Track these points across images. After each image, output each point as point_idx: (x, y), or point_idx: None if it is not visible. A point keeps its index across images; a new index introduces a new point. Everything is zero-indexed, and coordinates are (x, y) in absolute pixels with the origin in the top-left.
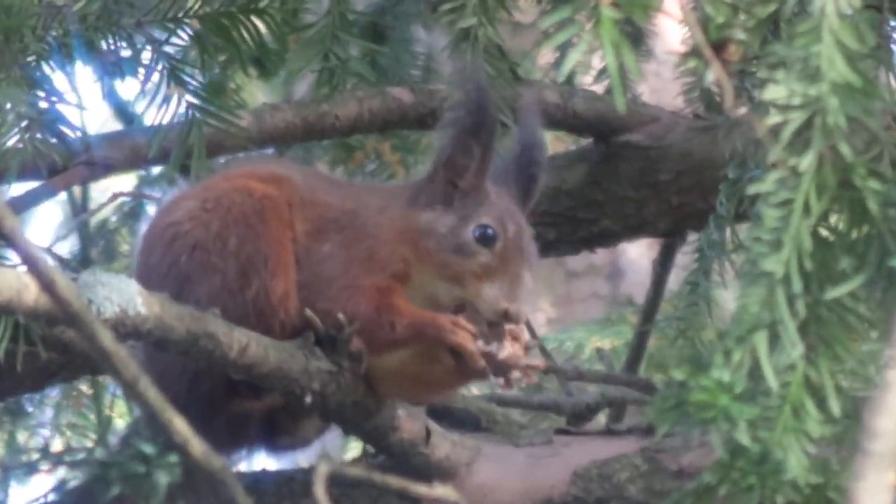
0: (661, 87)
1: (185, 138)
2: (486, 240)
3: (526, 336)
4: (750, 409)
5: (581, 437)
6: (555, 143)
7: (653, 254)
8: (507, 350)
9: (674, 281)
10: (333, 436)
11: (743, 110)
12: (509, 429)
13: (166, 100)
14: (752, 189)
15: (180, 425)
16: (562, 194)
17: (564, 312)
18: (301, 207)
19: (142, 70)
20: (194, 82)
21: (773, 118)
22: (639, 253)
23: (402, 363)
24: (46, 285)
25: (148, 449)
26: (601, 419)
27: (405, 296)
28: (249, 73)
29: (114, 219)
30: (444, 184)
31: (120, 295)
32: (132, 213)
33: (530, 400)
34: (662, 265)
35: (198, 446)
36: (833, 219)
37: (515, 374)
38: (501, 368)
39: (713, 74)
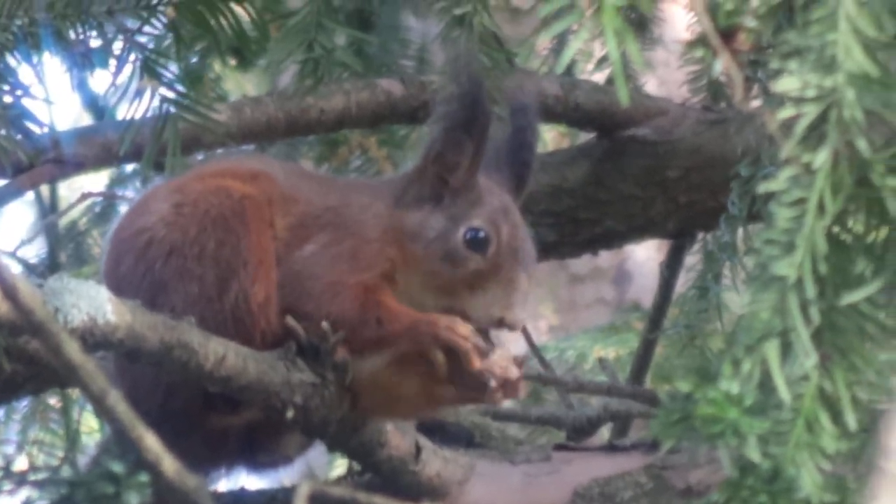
0: (669, 77)
1: (159, 134)
2: (477, 244)
3: (510, 352)
4: (760, 423)
5: (582, 454)
6: (557, 137)
7: (662, 256)
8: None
9: (683, 285)
10: (318, 452)
11: (755, 103)
12: (505, 445)
13: (139, 93)
14: (763, 187)
15: (152, 442)
16: (563, 193)
17: (567, 319)
18: (282, 203)
19: (113, 61)
20: (169, 74)
21: (786, 111)
22: (647, 255)
23: (390, 376)
24: (8, 292)
25: (117, 468)
26: (604, 434)
27: (393, 296)
28: (228, 63)
29: (84, 220)
30: (433, 180)
31: (89, 302)
32: (103, 214)
33: (528, 413)
34: (670, 268)
35: (170, 465)
36: (849, 219)
37: (492, 384)
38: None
39: (722, 65)
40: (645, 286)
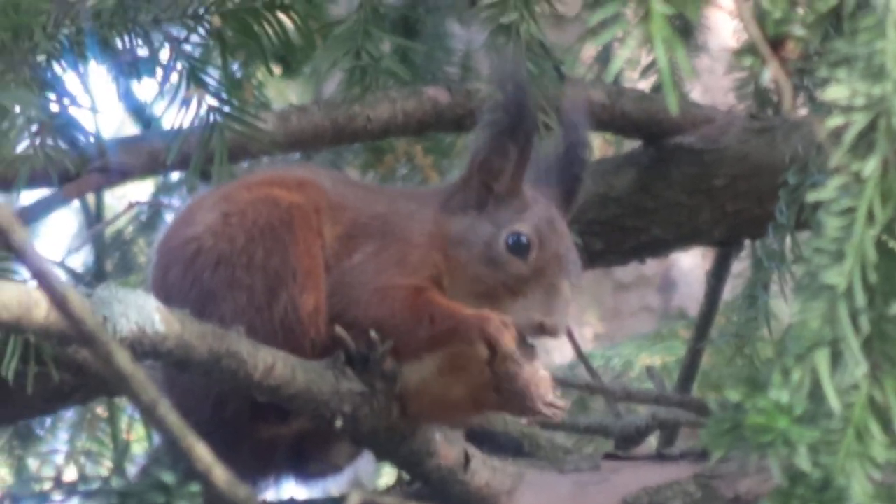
0: (714, 84)
1: (205, 143)
2: (519, 249)
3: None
4: (810, 433)
5: (630, 463)
6: (602, 146)
7: (707, 264)
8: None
9: (729, 293)
10: (366, 462)
11: (803, 111)
12: (554, 454)
13: (186, 102)
14: (812, 196)
15: (202, 452)
16: (609, 201)
17: (613, 327)
18: (329, 212)
19: (160, 70)
20: (215, 83)
21: (835, 120)
22: (692, 263)
23: (438, 382)
24: (58, 302)
25: (168, 478)
26: (652, 443)
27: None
28: (273, 71)
29: (130, 229)
30: (479, 187)
31: (137, 312)
32: (149, 222)
33: (576, 422)
34: (717, 276)
35: (221, 474)
36: None
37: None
38: (519, 395)
39: (771, 73)
40: (690, 294)
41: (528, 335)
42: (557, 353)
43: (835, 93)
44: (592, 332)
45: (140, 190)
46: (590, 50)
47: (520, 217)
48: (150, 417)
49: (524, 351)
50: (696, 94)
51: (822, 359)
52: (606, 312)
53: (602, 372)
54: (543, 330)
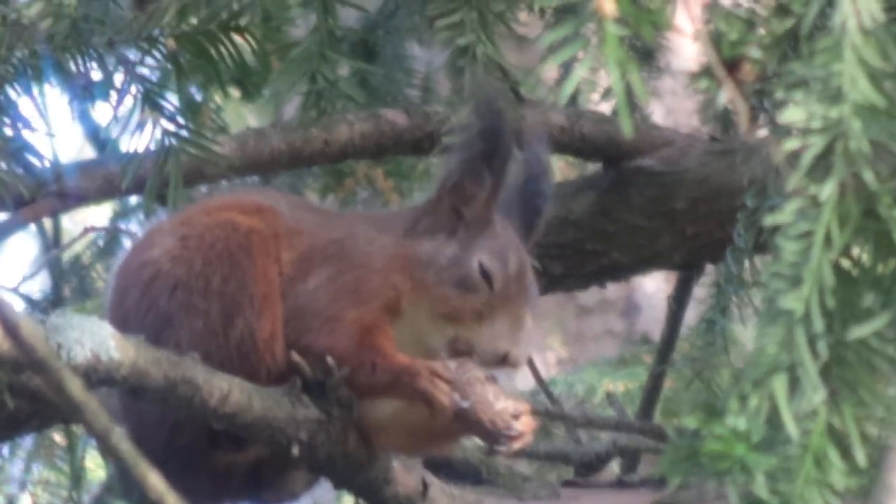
0: (677, 105)
1: (161, 167)
2: (489, 276)
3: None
4: (768, 460)
5: (590, 490)
6: (564, 168)
7: (671, 288)
8: (500, 405)
9: (692, 317)
10: (325, 489)
11: (762, 133)
12: (512, 481)
13: (140, 126)
14: (769, 219)
15: (155, 480)
16: (569, 224)
17: (576, 351)
18: (287, 237)
19: (114, 93)
20: (170, 107)
21: (792, 142)
22: (656, 287)
23: (398, 411)
24: (10, 329)
25: None
26: (614, 470)
27: (391, 335)
28: (231, 95)
29: (88, 254)
30: (449, 212)
31: (92, 338)
32: (107, 247)
33: (536, 449)
34: (678, 301)
35: (174, 503)
36: (857, 252)
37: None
38: (478, 428)
39: (726, 95)
40: (654, 318)
41: (490, 366)
42: (520, 378)
43: (792, 115)
44: (555, 356)
45: (99, 215)
46: (552, 72)
47: (490, 243)
48: (104, 445)
49: (484, 379)
50: (658, 115)
51: (779, 384)
52: (569, 337)
53: (565, 398)
54: (507, 361)
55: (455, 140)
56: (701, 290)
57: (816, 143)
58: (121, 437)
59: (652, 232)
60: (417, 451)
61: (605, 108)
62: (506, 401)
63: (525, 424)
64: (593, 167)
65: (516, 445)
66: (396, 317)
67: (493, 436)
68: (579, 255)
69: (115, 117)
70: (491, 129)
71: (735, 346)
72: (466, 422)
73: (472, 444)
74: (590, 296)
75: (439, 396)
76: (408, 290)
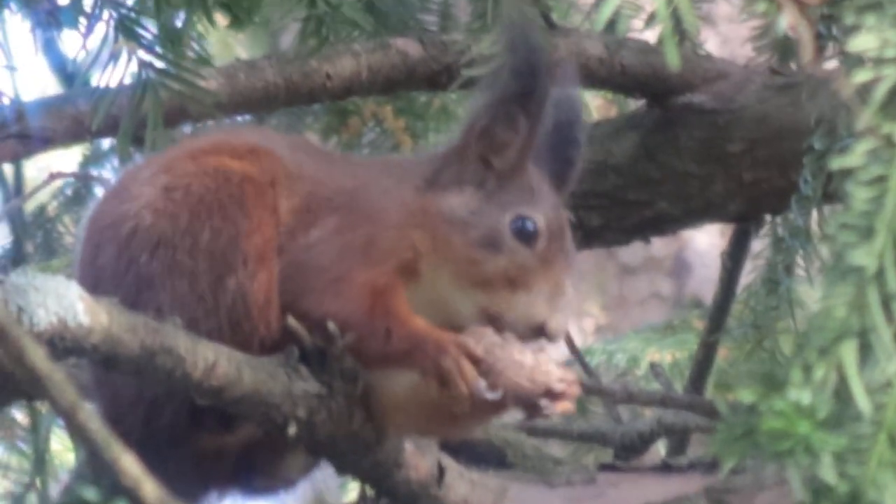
0: (733, 33)
1: (137, 104)
2: (526, 235)
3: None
4: (836, 439)
5: (631, 475)
6: (602, 106)
7: (726, 244)
8: (529, 362)
9: (749, 277)
10: (328, 474)
11: (831, 64)
12: (542, 465)
13: (114, 57)
14: (837, 163)
15: (130, 464)
16: (608, 170)
17: (617, 317)
18: (287, 183)
19: (83, 20)
20: (148, 35)
21: (863, 74)
22: (709, 242)
23: (417, 386)
24: None
25: (90, 494)
26: (660, 451)
27: (408, 299)
28: (217, 23)
29: (54, 204)
30: (476, 161)
31: (58, 301)
32: (76, 197)
33: (570, 428)
34: (733, 258)
35: (151, 490)
36: None
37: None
38: (513, 398)
39: (788, 20)
40: (707, 278)
41: (523, 337)
42: (551, 348)
43: (862, 43)
44: (594, 323)
45: (67, 160)
46: None
47: (528, 200)
48: (70, 424)
49: (502, 342)
50: (711, 45)
51: (848, 352)
52: (610, 301)
53: (604, 370)
54: (543, 332)
55: (483, 77)
56: (759, 246)
57: (891, 75)
58: (90, 415)
59: (703, 179)
60: (438, 434)
61: (650, 36)
62: (534, 357)
63: (564, 382)
64: (636, 104)
65: (559, 407)
66: (414, 281)
67: (530, 401)
68: (620, 206)
69: (85, 47)
70: (525, 65)
71: (801, 311)
72: (495, 401)
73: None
74: (633, 253)
75: (459, 382)
76: (428, 250)
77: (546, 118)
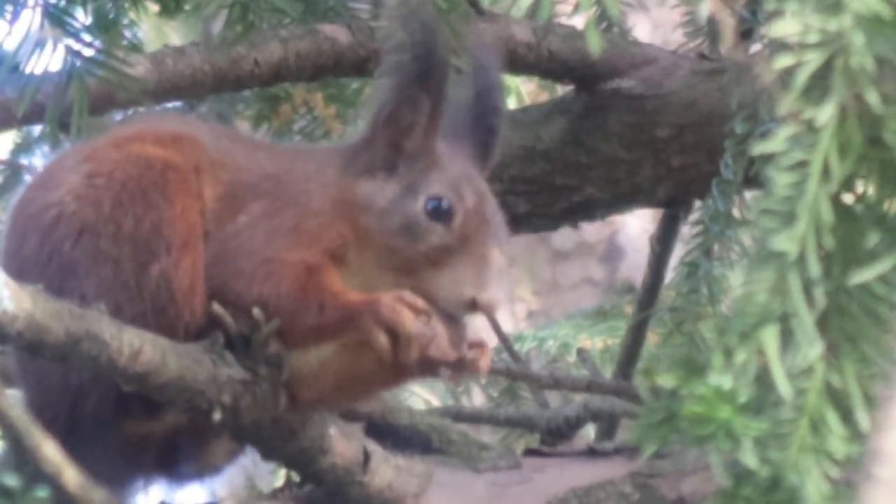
0: (664, 18)
1: (63, 91)
2: (440, 214)
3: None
4: (757, 424)
5: (557, 460)
6: (534, 92)
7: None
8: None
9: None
10: (259, 460)
11: (754, 49)
12: (468, 450)
13: (40, 44)
14: (759, 148)
15: (51, 451)
16: (536, 155)
17: (549, 302)
18: (211, 170)
19: (9, 7)
20: (76, 23)
21: (785, 59)
22: (641, 227)
23: (326, 360)
24: None
25: (11, 481)
26: (590, 437)
27: (338, 279)
28: (148, 9)
29: None
30: (386, 146)
31: None
32: (6, 185)
33: (495, 414)
34: (662, 242)
35: (73, 477)
36: (859, 185)
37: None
38: (430, 364)
39: (709, 6)
40: (639, 264)
41: (459, 314)
42: (482, 334)
43: (784, 28)
44: (526, 308)
45: None
46: None
47: (437, 178)
48: None
49: (455, 330)
50: (643, 29)
51: (770, 337)
52: (542, 286)
53: (535, 356)
54: (476, 307)
55: (385, 62)
56: (690, 231)
57: (813, 60)
58: (11, 402)
59: (631, 164)
60: (346, 401)
61: (579, 22)
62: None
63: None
64: (564, 90)
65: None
66: (342, 268)
67: (432, 365)
68: (548, 191)
69: (11, 34)
70: (422, 45)
71: (721, 295)
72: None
73: (424, 404)
74: (565, 239)
75: (406, 322)
76: (352, 239)
77: (450, 93)
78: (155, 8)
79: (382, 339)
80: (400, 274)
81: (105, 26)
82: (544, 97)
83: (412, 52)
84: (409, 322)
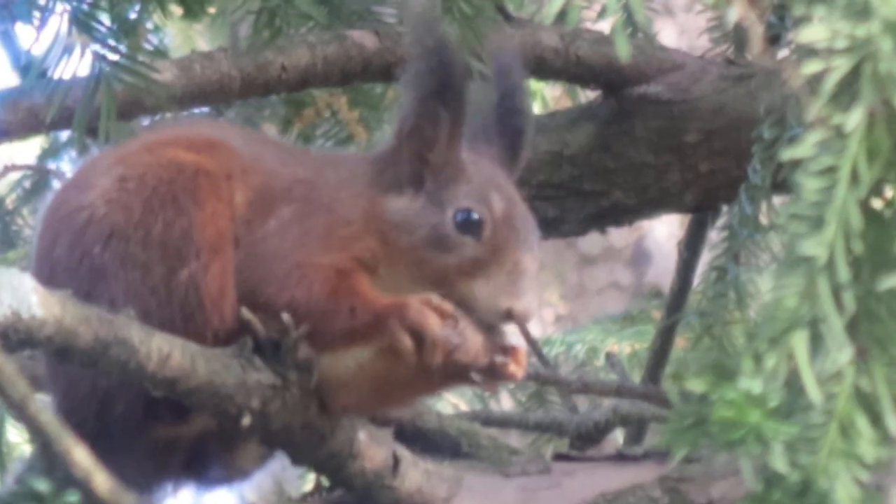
0: (691, 24)
1: (91, 97)
2: (469, 227)
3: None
4: (787, 428)
5: (586, 464)
6: (559, 98)
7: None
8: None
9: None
10: (288, 464)
11: (782, 55)
12: (497, 454)
13: (68, 50)
14: (787, 153)
15: (81, 456)
16: (564, 161)
17: (577, 307)
18: (242, 177)
19: (37, 14)
20: (102, 28)
21: (813, 65)
22: (669, 232)
23: (360, 364)
24: None
25: (42, 486)
26: (618, 441)
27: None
28: (171, 13)
29: (12, 197)
30: (411, 159)
31: (11, 293)
32: (35, 189)
33: (525, 418)
34: (690, 247)
35: (103, 482)
36: (888, 190)
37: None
38: (458, 369)
39: (738, 11)
40: (666, 268)
41: (494, 323)
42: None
43: (812, 34)
44: (553, 313)
45: (25, 152)
46: None
47: (464, 190)
48: (21, 416)
49: (489, 336)
50: (669, 35)
51: (799, 342)
52: (569, 290)
53: (563, 360)
54: (510, 317)
55: (405, 75)
56: (718, 236)
57: (841, 66)
58: (41, 407)
59: (659, 169)
60: (377, 407)
61: (606, 27)
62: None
63: (512, 358)
64: (589, 96)
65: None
66: (374, 280)
67: (460, 370)
68: (576, 196)
69: (39, 40)
70: (437, 61)
71: (749, 299)
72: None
73: (452, 408)
74: (592, 243)
75: (431, 325)
76: (383, 255)
77: (470, 103)
78: (179, 11)
79: (407, 342)
80: (433, 287)
81: (127, 29)
82: (569, 103)
83: (427, 66)
84: (434, 325)
